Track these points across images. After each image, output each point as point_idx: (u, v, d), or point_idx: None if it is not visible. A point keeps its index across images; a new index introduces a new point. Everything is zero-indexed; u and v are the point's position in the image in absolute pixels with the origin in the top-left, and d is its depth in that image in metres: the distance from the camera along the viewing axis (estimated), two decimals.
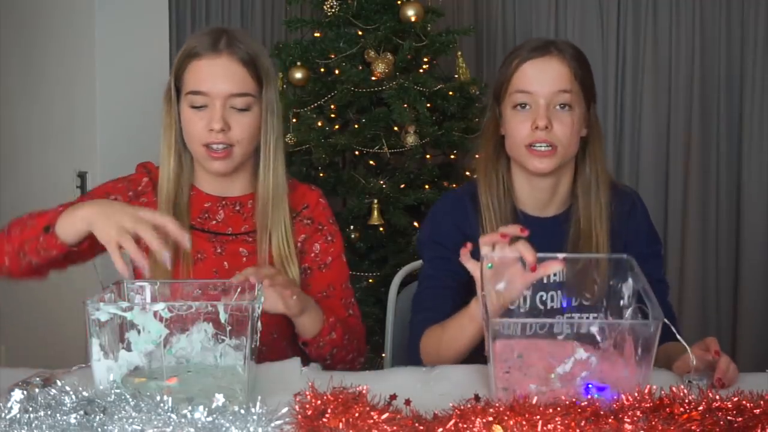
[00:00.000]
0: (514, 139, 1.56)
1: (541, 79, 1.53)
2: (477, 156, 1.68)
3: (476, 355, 1.42)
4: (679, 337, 1.29)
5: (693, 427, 0.95)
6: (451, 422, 0.95)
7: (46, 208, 1.47)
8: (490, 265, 1.29)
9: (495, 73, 3.60)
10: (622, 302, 1.35)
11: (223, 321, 1.17)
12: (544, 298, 1.53)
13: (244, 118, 1.52)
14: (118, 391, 1.02)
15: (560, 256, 1.33)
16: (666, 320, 1.19)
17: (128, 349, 1.14)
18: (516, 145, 1.56)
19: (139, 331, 1.14)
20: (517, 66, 1.55)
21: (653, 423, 0.94)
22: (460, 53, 3.08)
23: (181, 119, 1.54)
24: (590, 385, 1.13)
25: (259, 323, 1.21)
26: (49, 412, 0.98)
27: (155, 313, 1.13)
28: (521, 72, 1.54)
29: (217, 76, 1.50)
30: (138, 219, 1.30)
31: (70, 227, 1.36)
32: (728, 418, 0.98)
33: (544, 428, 0.90)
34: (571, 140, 1.54)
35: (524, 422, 0.92)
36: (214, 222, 1.59)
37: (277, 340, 1.56)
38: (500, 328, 1.16)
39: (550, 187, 1.60)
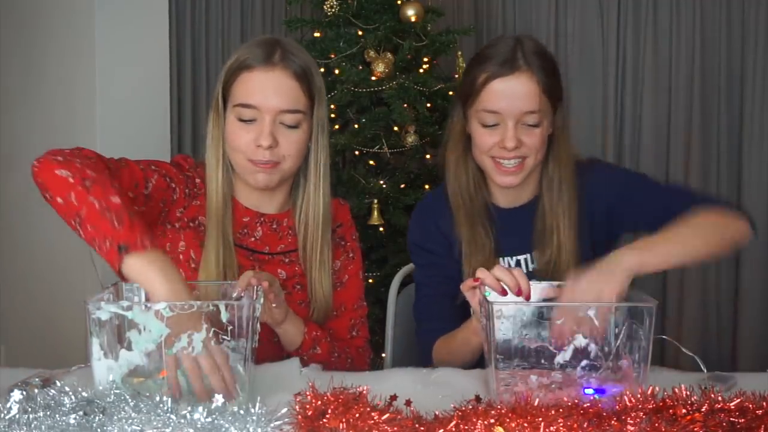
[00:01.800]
0: (481, 149, 1.56)
1: (510, 99, 1.50)
2: (445, 159, 1.66)
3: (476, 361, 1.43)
4: (684, 349, 1.30)
5: (696, 429, 0.94)
6: (452, 423, 0.95)
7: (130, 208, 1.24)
8: (488, 292, 1.29)
9: None
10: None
11: (224, 321, 1.17)
12: None
13: (293, 134, 1.48)
14: (117, 391, 1.02)
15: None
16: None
17: (129, 348, 1.14)
18: (483, 154, 1.56)
19: (140, 331, 1.13)
20: (486, 82, 1.52)
21: (656, 425, 0.93)
22: (460, 53, 3.08)
23: (225, 130, 1.49)
24: (589, 389, 1.14)
25: (258, 324, 1.21)
26: (48, 413, 0.98)
27: (156, 312, 1.13)
28: (489, 90, 1.51)
29: (269, 90, 1.45)
30: (209, 357, 1.14)
31: (136, 274, 1.19)
32: (731, 419, 0.98)
33: (547, 430, 0.90)
34: (539, 150, 1.55)
35: (526, 424, 0.91)
36: (252, 239, 1.55)
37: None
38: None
39: (517, 186, 1.60)
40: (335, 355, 1.55)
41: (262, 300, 1.27)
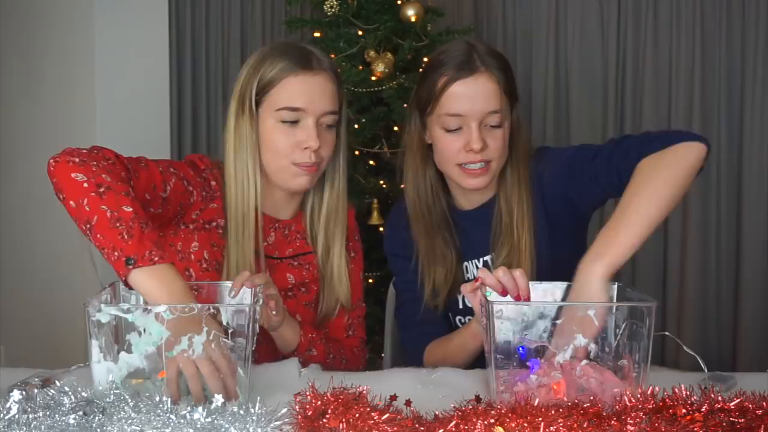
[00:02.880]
0: (446, 157, 1.55)
1: (472, 101, 1.50)
2: (404, 170, 1.66)
3: (477, 360, 1.43)
4: (686, 348, 1.30)
5: (696, 429, 0.94)
6: (452, 423, 0.95)
7: (142, 222, 1.21)
8: (489, 292, 1.29)
9: None
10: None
11: (224, 323, 1.17)
12: None
13: (330, 135, 1.52)
14: (117, 391, 1.02)
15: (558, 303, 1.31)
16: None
17: (128, 350, 1.14)
18: (448, 163, 1.55)
19: (139, 333, 1.13)
20: (445, 86, 1.51)
21: (656, 425, 0.93)
22: None
23: (262, 135, 1.50)
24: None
25: (258, 326, 1.21)
26: (47, 413, 0.98)
27: (157, 315, 1.13)
28: (450, 94, 1.51)
29: (315, 93, 1.49)
30: (208, 360, 1.14)
31: (141, 288, 1.19)
32: (731, 419, 0.98)
33: (546, 430, 0.90)
34: (503, 151, 1.55)
35: (526, 424, 0.91)
36: (264, 243, 1.55)
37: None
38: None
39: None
40: (330, 357, 1.55)
41: (261, 302, 1.27)
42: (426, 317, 1.62)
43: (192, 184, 1.49)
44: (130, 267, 1.18)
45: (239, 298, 1.31)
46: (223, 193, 1.52)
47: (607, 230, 1.29)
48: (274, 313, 1.41)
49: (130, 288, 1.21)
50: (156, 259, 1.19)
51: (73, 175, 1.24)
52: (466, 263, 1.63)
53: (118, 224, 1.20)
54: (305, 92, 1.48)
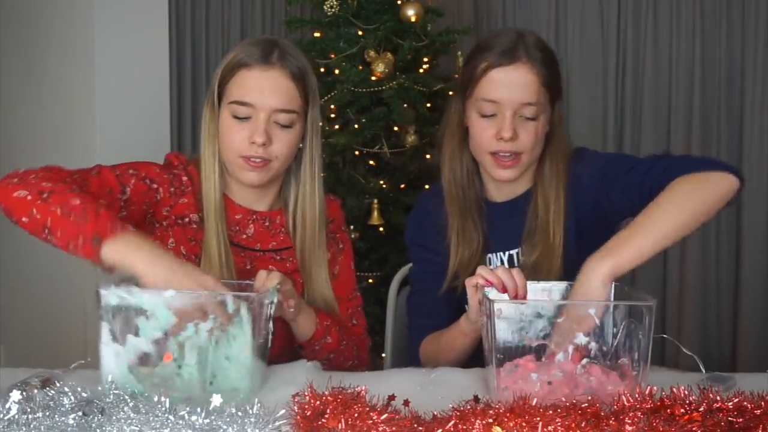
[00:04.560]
0: (479, 143, 1.55)
1: (509, 88, 1.50)
2: (441, 151, 1.66)
3: (475, 360, 1.43)
4: (684, 349, 1.30)
5: (694, 428, 0.94)
6: (451, 423, 0.95)
7: (96, 200, 1.26)
8: (488, 291, 1.29)
9: None
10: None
11: (230, 311, 1.18)
12: None
13: (286, 134, 1.50)
14: (116, 392, 1.03)
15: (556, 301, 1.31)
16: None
17: (137, 334, 1.15)
18: (480, 150, 1.56)
19: (147, 317, 1.15)
20: (485, 70, 1.51)
21: (654, 424, 0.93)
22: (460, 53, 3.08)
23: (219, 127, 1.51)
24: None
25: (271, 324, 1.24)
26: (47, 413, 0.98)
27: (165, 300, 1.15)
28: (489, 79, 1.51)
29: (266, 89, 1.47)
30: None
31: (118, 259, 1.20)
32: (729, 418, 0.98)
33: (545, 430, 0.90)
34: (536, 146, 1.54)
35: (524, 424, 0.91)
36: (244, 236, 1.56)
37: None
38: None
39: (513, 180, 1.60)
40: (344, 343, 1.56)
41: (274, 298, 1.28)
42: (431, 309, 1.62)
43: (157, 182, 1.50)
44: (98, 245, 1.19)
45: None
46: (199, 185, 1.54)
47: (621, 234, 1.29)
48: (291, 310, 1.42)
49: (110, 270, 1.22)
50: (118, 229, 1.21)
51: (15, 194, 1.27)
52: (490, 255, 1.63)
53: (71, 216, 1.22)
54: (256, 88, 1.47)
